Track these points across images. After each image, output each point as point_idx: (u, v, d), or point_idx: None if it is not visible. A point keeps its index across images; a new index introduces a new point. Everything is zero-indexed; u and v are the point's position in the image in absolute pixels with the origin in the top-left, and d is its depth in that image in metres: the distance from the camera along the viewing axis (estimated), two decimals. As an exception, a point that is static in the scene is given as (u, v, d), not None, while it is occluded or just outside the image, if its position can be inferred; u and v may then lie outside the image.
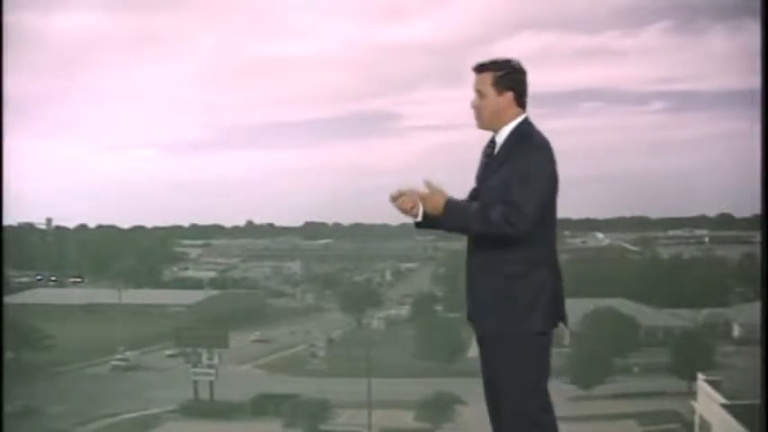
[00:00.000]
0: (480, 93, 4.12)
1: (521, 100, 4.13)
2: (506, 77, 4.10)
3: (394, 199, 4.06)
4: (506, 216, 3.89)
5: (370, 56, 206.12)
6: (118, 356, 73.35)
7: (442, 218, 3.98)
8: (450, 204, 3.98)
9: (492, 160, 4.13)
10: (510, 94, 4.10)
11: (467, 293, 4.19)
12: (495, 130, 4.15)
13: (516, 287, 4.02)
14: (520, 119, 4.12)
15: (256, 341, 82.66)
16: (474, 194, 4.20)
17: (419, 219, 4.08)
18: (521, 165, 3.96)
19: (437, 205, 3.98)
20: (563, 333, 70.13)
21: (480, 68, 4.13)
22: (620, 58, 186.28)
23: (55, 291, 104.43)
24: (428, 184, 4.01)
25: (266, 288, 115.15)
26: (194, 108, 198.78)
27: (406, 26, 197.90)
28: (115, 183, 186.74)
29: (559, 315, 4.14)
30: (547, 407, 4.11)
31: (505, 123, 4.12)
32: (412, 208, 4.05)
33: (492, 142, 4.18)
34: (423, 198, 4.00)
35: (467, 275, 4.18)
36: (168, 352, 74.83)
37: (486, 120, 4.14)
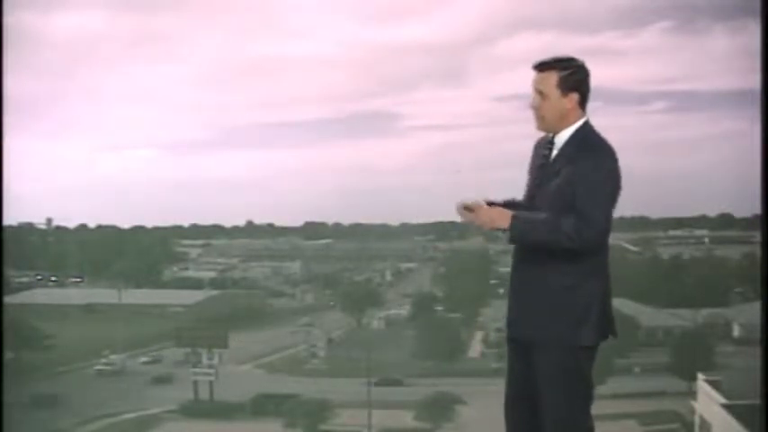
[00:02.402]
0: (542, 93, 3.92)
1: (584, 102, 3.97)
2: (572, 78, 3.93)
3: (464, 209, 3.97)
4: (579, 230, 3.75)
5: (370, 56, 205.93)
6: (103, 360, 72.90)
7: (510, 230, 3.86)
8: (517, 216, 3.87)
9: (551, 163, 3.97)
10: (575, 96, 3.93)
11: (512, 299, 4.06)
12: (556, 132, 3.98)
13: (568, 298, 3.90)
14: (582, 121, 3.96)
15: (305, 325, 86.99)
16: (530, 196, 4.07)
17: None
18: (588, 172, 3.81)
19: (503, 218, 3.87)
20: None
21: (543, 67, 3.94)
22: (620, 58, 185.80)
23: (55, 291, 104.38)
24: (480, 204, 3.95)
25: (266, 288, 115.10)
26: (194, 108, 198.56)
27: (406, 26, 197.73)
28: (115, 183, 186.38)
29: (608, 328, 4.02)
30: (589, 414, 4.09)
31: (567, 125, 3.95)
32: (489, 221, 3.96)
33: (550, 143, 4.00)
34: (489, 218, 3.91)
35: (513, 282, 4.05)
36: (143, 359, 74.62)
37: (549, 122, 3.96)
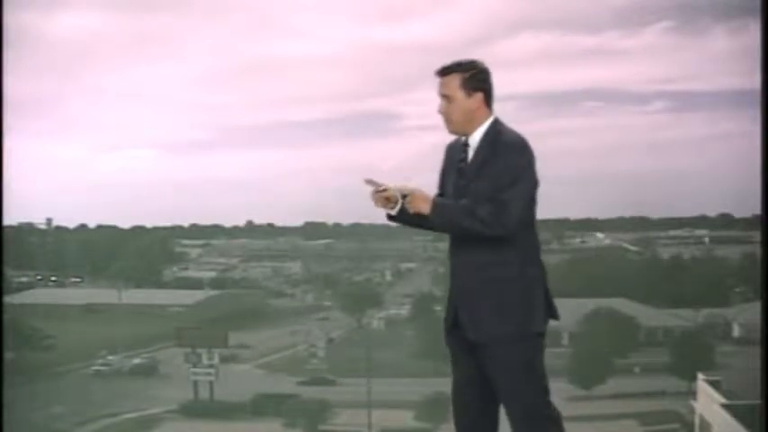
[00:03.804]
0: (448, 97, 4.05)
1: (489, 100, 4.10)
2: (474, 78, 4.06)
3: (378, 192, 4.09)
4: (496, 214, 3.88)
5: (370, 56, 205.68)
6: (100, 361, 72.80)
7: (431, 214, 3.96)
8: (438, 201, 3.99)
9: (469, 165, 4.07)
10: (480, 95, 4.06)
11: (457, 301, 4.13)
12: (467, 134, 4.10)
13: (516, 289, 4.02)
14: (491, 120, 4.08)
15: (321, 319, 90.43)
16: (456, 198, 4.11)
17: (394, 213, 4.10)
18: (506, 165, 3.95)
19: (424, 203, 3.97)
20: (561, 333, 70.16)
21: (445, 72, 4.06)
22: (620, 58, 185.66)
23: (55, 291, 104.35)
24: (402, 187, 4.03)
25: (266, 288, 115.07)
26: (194, 108, 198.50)
27: (407, 26, 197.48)
28: (115, 183, 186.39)
29: (552, 312, 4.14)
30: (551, 401, 4.16)
31: (478, 126, 4.07)
32: (389, 201, 4.08)
33: (465, 145, 4.11)
34: (410, 195, 3.99)
35: (456, 283, 4.13)
36: (136, 360, 74.60)
37: (458, 123, 4.08)
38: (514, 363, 4.02)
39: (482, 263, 4.00)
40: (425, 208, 3.96)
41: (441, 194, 4.23)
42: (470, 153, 4.08)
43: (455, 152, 4.17)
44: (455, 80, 4.04)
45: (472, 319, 4.07)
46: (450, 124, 4.10)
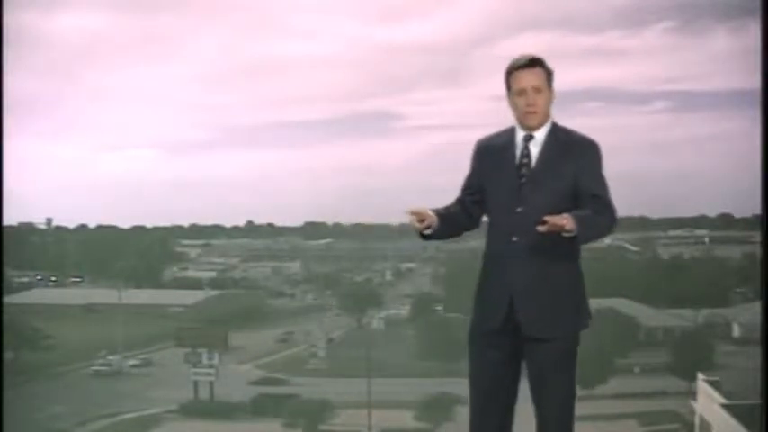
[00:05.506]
0: (539, 88, 4.02)
1: None
2: (552, 75, 4.09)
3: (415, 214, 4.05)
4: (612, 213, 3.95)
5: (370, 56, 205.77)
6: (99, 361, 72.83)
7: (579, 231, 3.77)
8: (579, 218, 3.80)
9: (537, 163, 4.02)
10: (553, 93, 4.11)
11: (516, 299, 4.02)
12: (534, 129, 4.06)
13: (577, 289, 4.09)
14: (551, 119, 4.10)
15: (336, 315, 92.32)
16: (517, 196, 4.02)
17: (429, 232, 4.09)
18: (593, 164, 4.03)
19: (570, 222, 3.76)
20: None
21: (534, 63, 4.04)
22: (621, 58, 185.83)
23: (55, 291, 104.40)
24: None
25: (266, 288, 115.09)
26: (194, 108, 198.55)
27: (407, 26, 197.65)
28: (115, 183, 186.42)
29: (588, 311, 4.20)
30: None
31: (547, 121, 4.08)
32: (424, 221, 4.06)
33: (526, 142, 4.05)
34: (554, 222, 3.79)
35: (513, 281, 4.02)
36: (132, 361, 74.54)
37: (542, 117, 4.06)
38: (562, 356, 4.05)
39: (551, 261, 3.98)
40: (574, 227, 3.77)
41: (471, 194, 4.19)
42: (535, 149, 4.05)
43: (503, 150, 4.10)
44: (542, 73, 4.04)
45: (539, 315, 4.02)
46: (536, 117, 4.04)
